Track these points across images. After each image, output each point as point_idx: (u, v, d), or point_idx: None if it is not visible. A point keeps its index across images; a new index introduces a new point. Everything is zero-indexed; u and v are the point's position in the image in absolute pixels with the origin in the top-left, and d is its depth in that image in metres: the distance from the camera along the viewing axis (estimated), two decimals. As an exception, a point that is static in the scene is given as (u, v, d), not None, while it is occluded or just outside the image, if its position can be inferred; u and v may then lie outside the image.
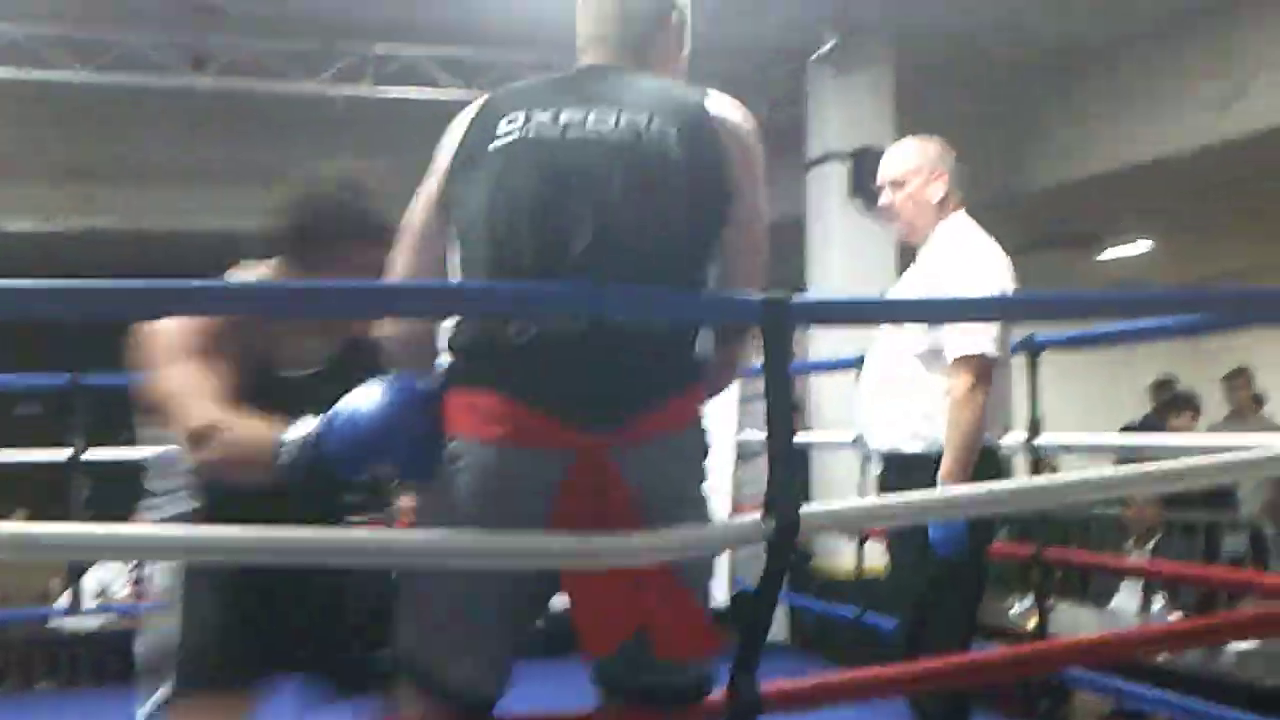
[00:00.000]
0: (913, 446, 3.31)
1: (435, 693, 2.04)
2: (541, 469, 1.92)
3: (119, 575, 6.50)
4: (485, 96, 2.17)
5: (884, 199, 3.48)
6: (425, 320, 2.13)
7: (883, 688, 2.58)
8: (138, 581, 6.50)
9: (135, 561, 6.44)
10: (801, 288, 7.29)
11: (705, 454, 2.10)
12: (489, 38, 6.90)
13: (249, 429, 2.12)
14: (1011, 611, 5.62)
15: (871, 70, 7.06)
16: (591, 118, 2.03)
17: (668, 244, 2.00)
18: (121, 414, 2.96)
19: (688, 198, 2.01)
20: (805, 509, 1.98)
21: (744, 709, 2.10)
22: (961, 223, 3.41)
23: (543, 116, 2.04)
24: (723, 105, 2.12)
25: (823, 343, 6.47)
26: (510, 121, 2.05)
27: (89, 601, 5.99)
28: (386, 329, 2.18)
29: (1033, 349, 3.93)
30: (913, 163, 3.44)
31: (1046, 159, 8.55)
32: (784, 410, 1.94)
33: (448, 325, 2.05)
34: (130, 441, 3.20)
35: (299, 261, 2.38)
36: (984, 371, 3.19)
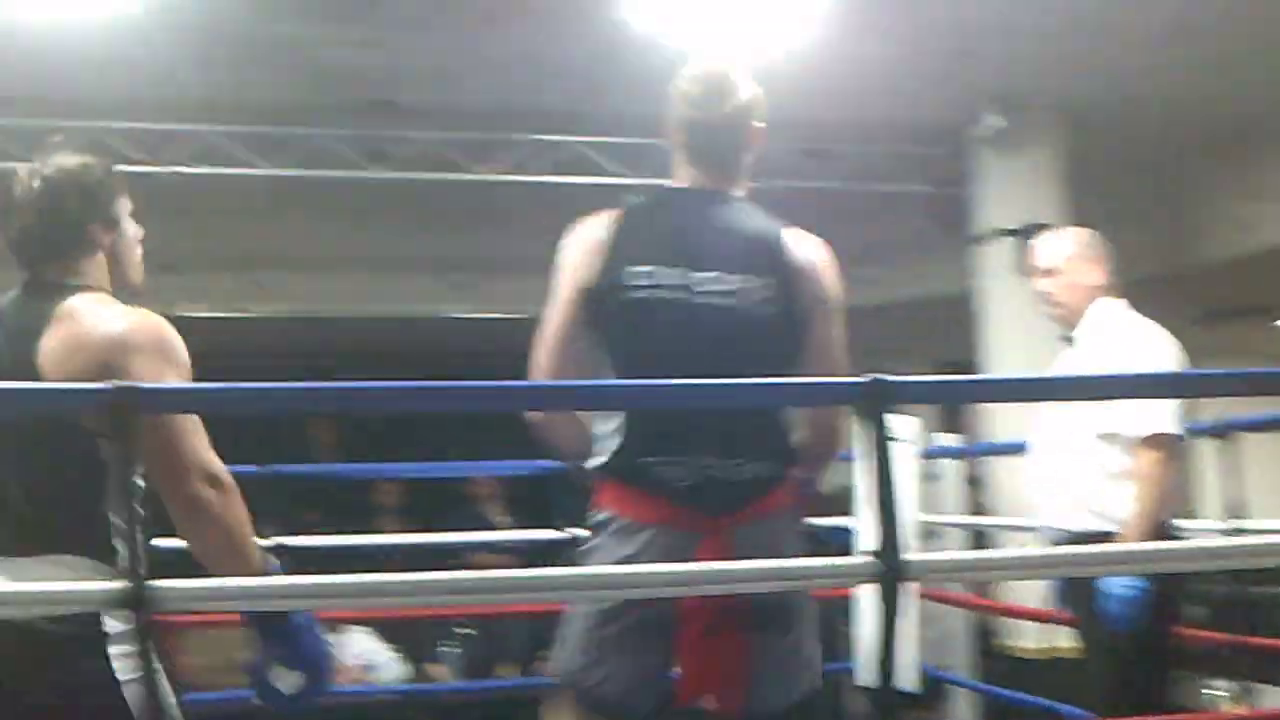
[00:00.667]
0: (1092, 524, 3.29)
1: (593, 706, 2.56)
2: (683, 543, 2.48)
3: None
4: (607, 224, 2.66)
5: (1040, 286, 3.53)
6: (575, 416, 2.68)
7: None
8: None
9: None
10: (970, 363, 7.27)
11: (799, 528, 2.66)
12: (652, 128, 7.04)
13: None
14: (1212, 696, 5.46)
15: (1037, 145, 7.03)
16: (705, 282, 2.57)
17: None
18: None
19: (780, 341, 2.60)
20: (914, 555, 2.20)
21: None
22: (1117, 306, 3.46)
23: (668, 277, 2.57)
24: (797, 244, 2.69)
25: (1005, 423, 6.44)
26: (640, 274, 2.57)
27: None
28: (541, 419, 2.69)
29: (1223, 431, 3.88)
30: (1068, 250, 3.54)
31: (1220, 232, 8.40)
32: (886, 476, 2.10)
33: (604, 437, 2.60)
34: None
35: None
36: (1172, 449, 3.17)
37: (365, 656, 6.66)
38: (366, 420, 9.56)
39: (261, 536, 2.44)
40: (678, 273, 2.57)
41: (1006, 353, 6.73)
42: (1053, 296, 3.53)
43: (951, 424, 9.42)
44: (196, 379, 2.36)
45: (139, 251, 2.62)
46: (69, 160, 2.51)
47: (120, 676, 2.22)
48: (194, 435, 2.30)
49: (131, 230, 2.60)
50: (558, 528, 5.61)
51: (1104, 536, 3.23)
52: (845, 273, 5.31)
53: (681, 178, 2.74)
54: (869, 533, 5.08)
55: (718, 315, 2.55)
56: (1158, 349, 3.32)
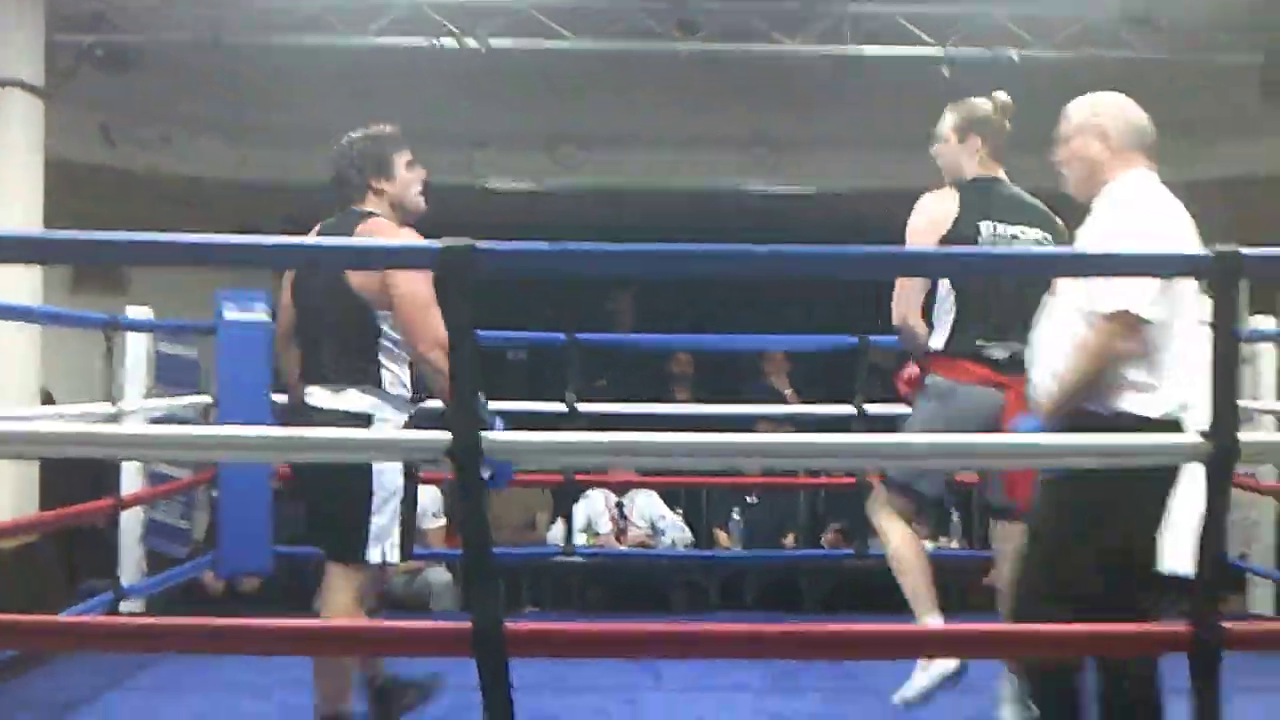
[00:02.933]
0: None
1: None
2: (997, 396, 3.80)
3: (602, 511, 6.86)
4: (956, 193, 3.94)
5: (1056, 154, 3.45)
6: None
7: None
8: (621, 515, 6.87)
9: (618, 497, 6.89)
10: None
11: None
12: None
13: None
14: None
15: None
16: (1029, 234, 3.94)
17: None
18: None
19: None
20: (1245, 436, 2.28)
21: (1206, 645, 2.29)
22: (1132, 180, 3.26)
23: (1005, 230, 3.91)
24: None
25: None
26: (987, 228, 3.90)
27: (577, 537, 6.35)
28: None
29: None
30: (1074, 120, 3.40)
31: None
32: (1230, 350, 2.26)
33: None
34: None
35: None
36: (1129, 329, 3.04)
37: (654, 520, 6.81)
38: (661, 299, 9.72)
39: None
40: (1003, 226, 3.91)
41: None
42: (1063, 165, 3.43)
43: (1265, 306, 8.96)
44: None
45: (415, 189, 3.74)
46: (360, 134, 3.75)
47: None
48: (428, 310, 3.37)
49: (408, 176, 3.73)
50: (854, 403, 5.63)
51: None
52: (1166, 147, 5.09)
53: (982, 167, 4.01)
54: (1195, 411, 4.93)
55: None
56: (1142, 225, 3.12)
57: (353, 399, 3.57)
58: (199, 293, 5.71)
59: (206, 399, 5.62)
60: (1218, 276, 2.14)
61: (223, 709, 4.42)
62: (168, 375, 5.68)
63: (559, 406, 5.62)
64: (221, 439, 2.95)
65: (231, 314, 5.42)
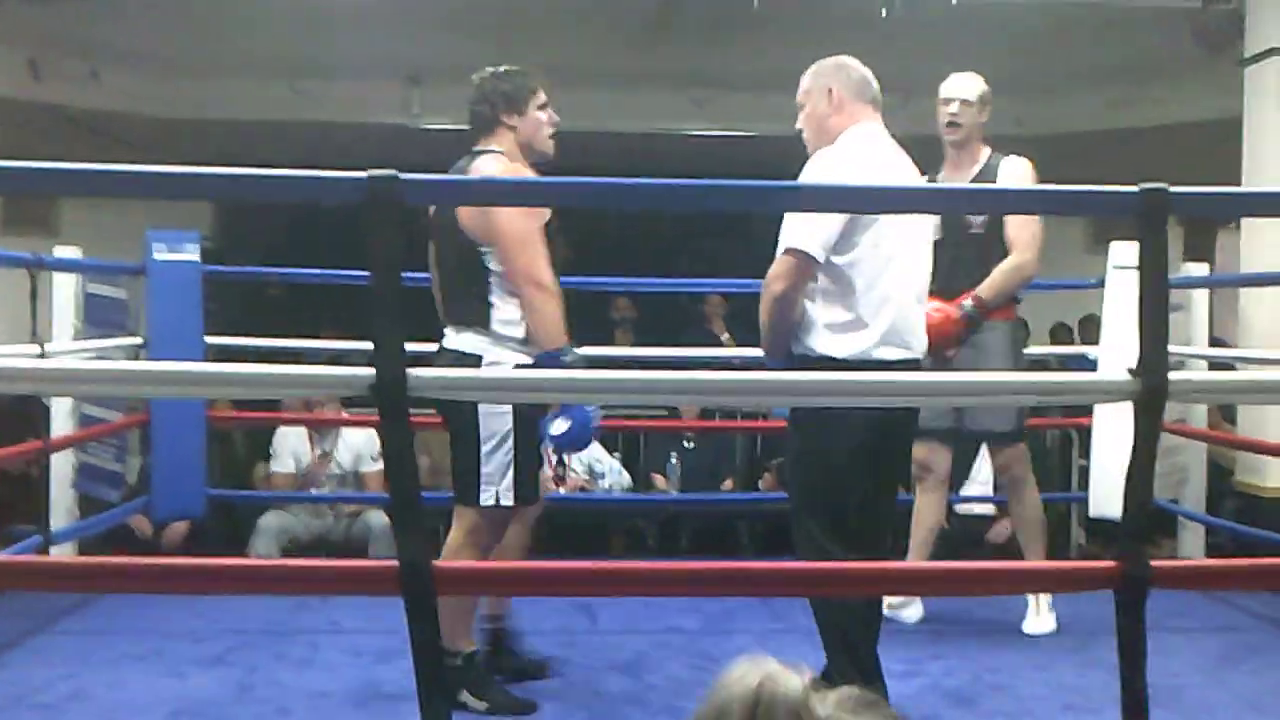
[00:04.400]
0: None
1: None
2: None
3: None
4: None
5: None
6: None
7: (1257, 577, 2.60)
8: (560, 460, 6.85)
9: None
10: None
11: None
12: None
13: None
14: None
15: (1321, -42, 6.54)
16: None
17: None
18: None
19: None
20: (1175, 374, 2.30)
21: (1133, 581, 2.33)
22: (858, 133, 3.47)
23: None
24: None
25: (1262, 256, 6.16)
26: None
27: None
28: None
29: None
30: (803, 85, 3.60)
31: None
32: (1159, 288, 2.27)
33: None
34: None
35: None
36: (797, 267, 3.24)
37: (592, 464, 6.80)
38: (600, 238, 9.65)
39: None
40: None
41: (1272, 179, 6.36)
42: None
43: (1198, 253, 9.06)
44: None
45: (547, 131, 3.83)
46: (496, 69, 3.86)
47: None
48: (528, 250, 3.53)
49: (539, 116, 3.82)
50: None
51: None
52: (1102, 93, 5.08)
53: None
54: (1123, 353, 5.08)
55: None
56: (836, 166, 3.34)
57: (467, 340, 3.67)
58: (133, 237, 5.62)
59: (136, 340, 5.54)
60: (1145, 215, 2.13)
61: (153, 653, 4.39)
62: (96, 316, 5.57)
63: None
64: (151, 374, 2.88)
65: (161, 254, 5.33)
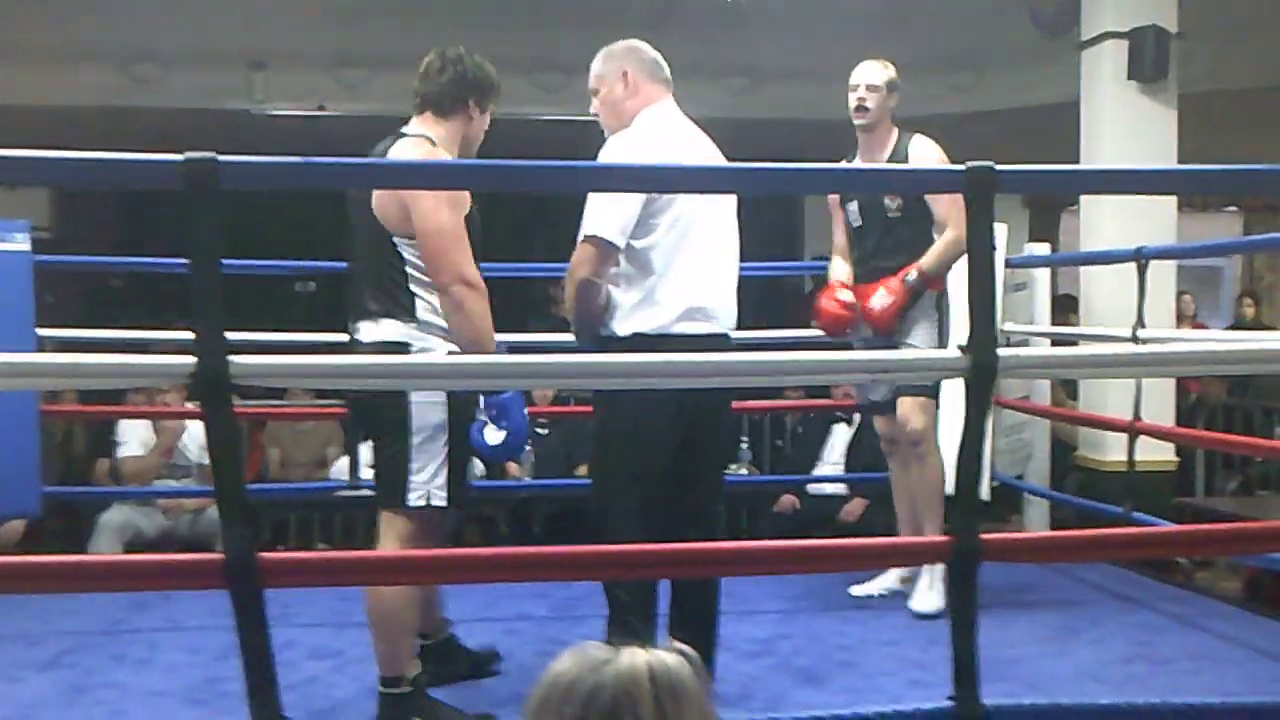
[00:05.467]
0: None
1: None
2: None
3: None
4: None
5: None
6: None
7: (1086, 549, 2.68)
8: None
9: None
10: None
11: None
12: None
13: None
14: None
15: (1152, -55, 6.71)
16: None
17: None
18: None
19: None
20: (1003, 351, 2.30)
21: (964, 554, 2.34)
22: (652, 113, 3.54)
23: None
24: None
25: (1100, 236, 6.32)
26: None
27: (365, 472, 6.24)
28: None
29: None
30: (595, 71, 3.67)
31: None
32: (985, 264, 2.30)
33: None
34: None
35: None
36: (596, 252, 3.32)
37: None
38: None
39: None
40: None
41: (1112, 164, 6.53)
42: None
43: (1042, 233, 9.26)
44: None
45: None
46: (468, 54, 3.59)
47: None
48: (454, 245, 3.25)
49: (485, 120, 3.63)
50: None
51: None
52: (943, 79, 5.16)
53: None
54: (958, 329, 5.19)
55: None
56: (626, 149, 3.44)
57: (389, 329, 3.39)
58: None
59: (-37, 333, 5.32)
60: (971, 191, 2.15)
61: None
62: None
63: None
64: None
65: (-12, 244, 5.13)
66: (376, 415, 3.40)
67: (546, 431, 7.00)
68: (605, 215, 3.32)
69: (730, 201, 3.60)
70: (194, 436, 6.21)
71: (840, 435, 6.71)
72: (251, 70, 8.58)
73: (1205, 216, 11.32)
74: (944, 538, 2.36)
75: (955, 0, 7.61)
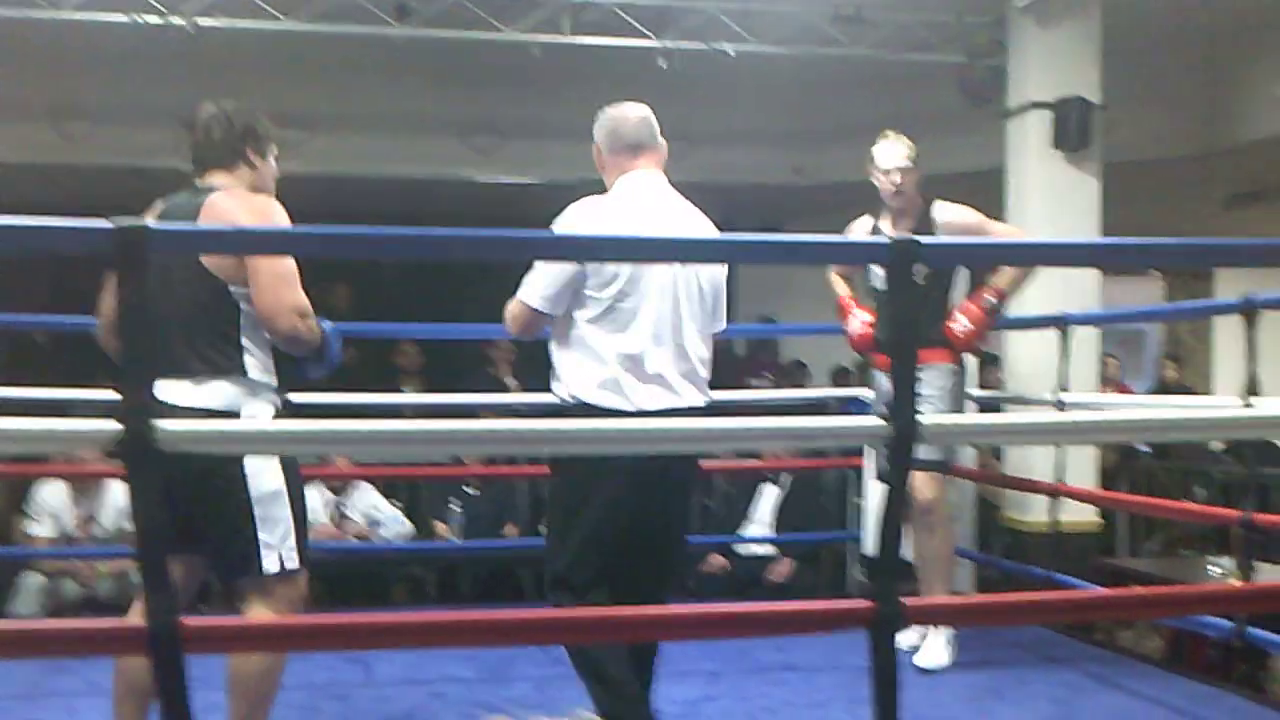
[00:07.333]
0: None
1: None
2: None
3: (319, 508, 6.67)
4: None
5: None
6: None
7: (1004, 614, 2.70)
8: (340, 513, 6.69)
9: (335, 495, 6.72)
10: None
11: None
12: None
13: None
14: (1214, 572, 5.51)
15: (1075, 19, 6.88)
16: None
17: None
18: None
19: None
20: (923, 419, 2.33)
21: (883, 620, 2.36)
22: (622, 182, 3.61)
23: None
24: None
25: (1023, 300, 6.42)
26: None
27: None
28: None
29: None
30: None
31: (1250, 113, 8.30)
32: (907, 334, 2.36)
33: None
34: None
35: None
36: (522, 317, 3.51)
37: (371, 513, 6.69)
38: (381, 286, 9.53)
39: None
40: None
41: (1036, 230, 6.65)
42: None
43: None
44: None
45: (273, 181, 3.52)
46: (227, 104, 3.53)
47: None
48: (291, 283, 3.19)
49: (272, 162, 3.53)
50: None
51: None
52: (869, 144, 5.26)
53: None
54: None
55: None
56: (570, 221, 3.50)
57: (216, 392, 3.23)
58: None
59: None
60: (894, 262, 2.21)
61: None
62: None
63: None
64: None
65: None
66: (207, 490, 3.19)
67: (476, 493, 6.98)
68: (534, 282, 3.44)
69: (703, 272, 3.55)
70: (113, 500, 6.12)
71: (768, 496, 6.75)
72: (182, 128, 8.53)
73: (1129, 280, 11.51)
74: (864, 602, 2.37)
75: (882, 66, 7.74)
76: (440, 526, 6.93)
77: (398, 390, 7.83)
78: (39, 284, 10.32)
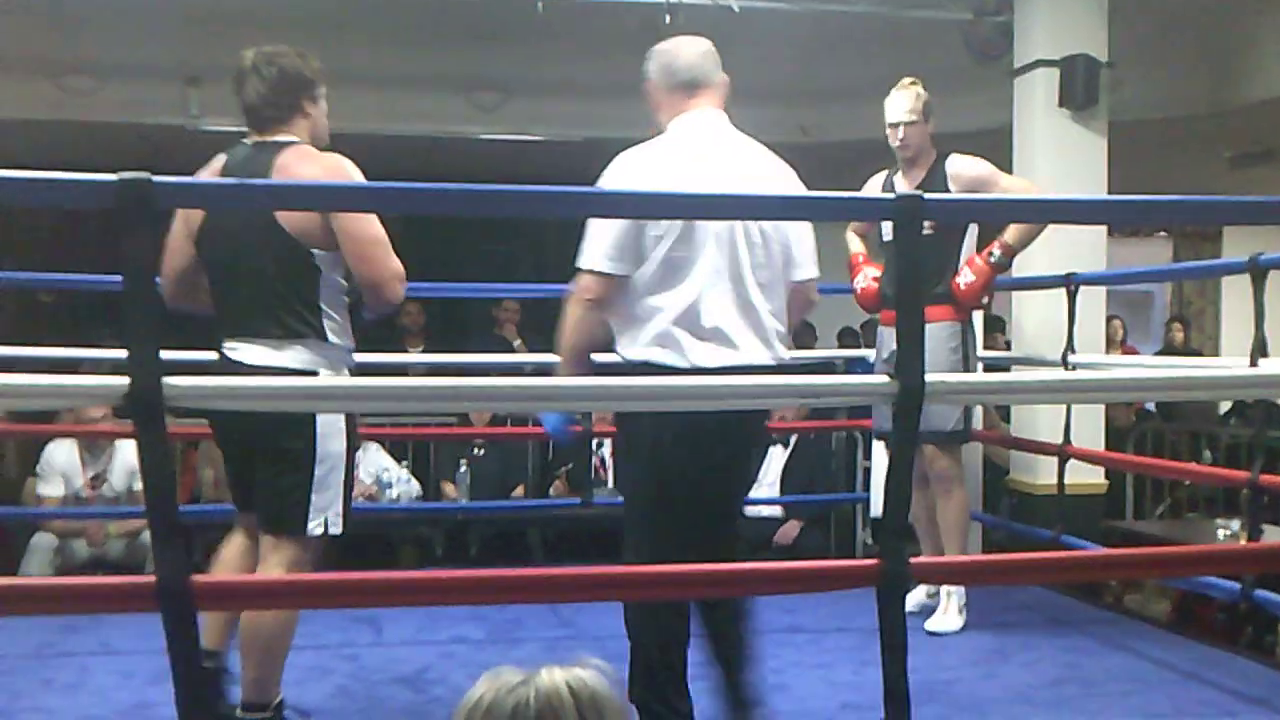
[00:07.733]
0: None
1: None
2: None
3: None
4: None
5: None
6: None
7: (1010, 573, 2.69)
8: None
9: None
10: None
11: None
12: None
13: None
14: (1223, 535, 5.51)
15: (1083, -24, 6.82)
16: None
17: None
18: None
19: None
20: (930, 377, 2.32)
21: (892, 578, 2.37)
22: (682, 121, 3.38)
23: None
24: None
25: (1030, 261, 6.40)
26: None
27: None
28: None
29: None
30: (646, 69, 3.54)
31: (1258, 72, 8.22)
32: (914, 290, 2.35)
33: None
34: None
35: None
36: (591, 283, 3.17)
37: (379, 473, 6.69)
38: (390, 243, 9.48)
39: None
40: None
41: (1043, 188, 6.61)
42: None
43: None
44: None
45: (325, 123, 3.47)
46: (271, 51, 3.38)
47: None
48: (382, 244, 3.18)
49: (324, 107, 3.46)
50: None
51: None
52: (879, 102, 5.23)
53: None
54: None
55: None
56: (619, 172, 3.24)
57: (296, 355, 3.23)
58: None
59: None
60: (899, 218, 2.19)
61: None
62: None
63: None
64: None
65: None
66: (274, 443, 3.26)
67: (483, 452, 6.98)
68: (593, 247, 3.16)
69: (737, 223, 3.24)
70: (123, 464, 6.12)
71: (775, 458, 6.74)
72: (187, 85, 8.50)
73: (1135, 241, 11.49)
74: (871, 561, 2.37)
75: (888, 23, 7.67)
76: (448, 487, 6.94)
77: (403, 350, 7.82)
78: (40, 243, 10.31)
